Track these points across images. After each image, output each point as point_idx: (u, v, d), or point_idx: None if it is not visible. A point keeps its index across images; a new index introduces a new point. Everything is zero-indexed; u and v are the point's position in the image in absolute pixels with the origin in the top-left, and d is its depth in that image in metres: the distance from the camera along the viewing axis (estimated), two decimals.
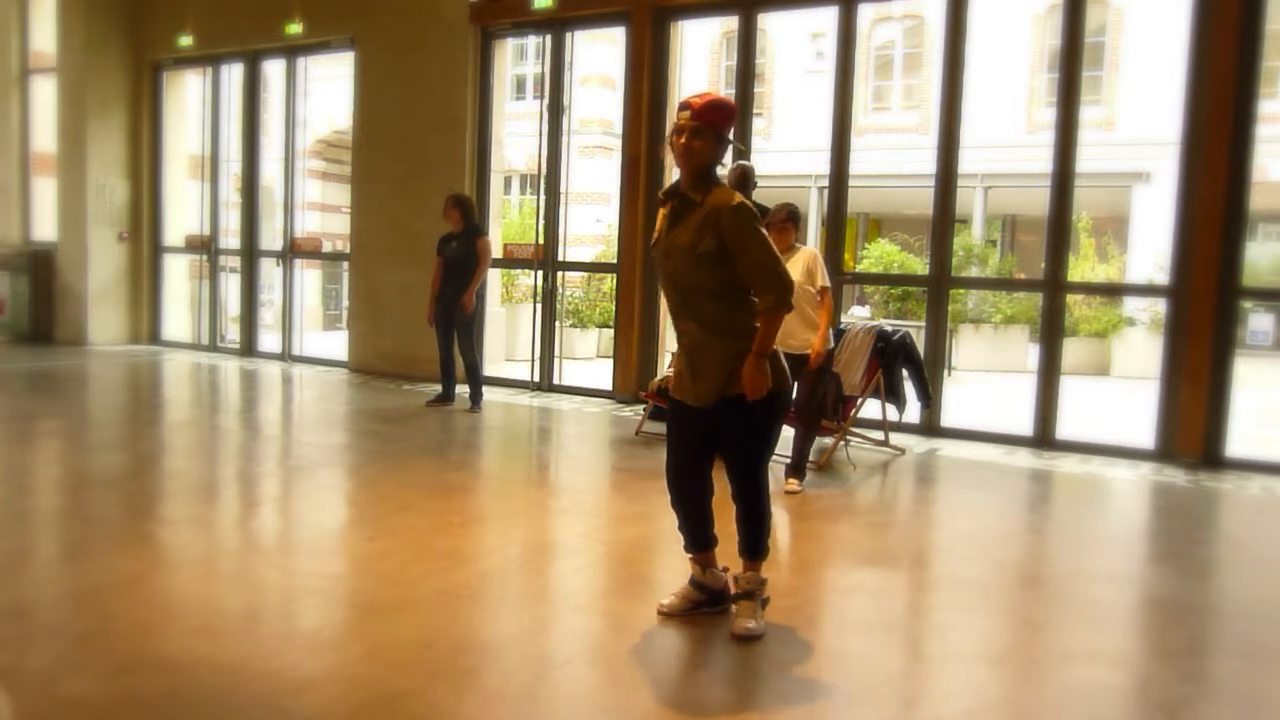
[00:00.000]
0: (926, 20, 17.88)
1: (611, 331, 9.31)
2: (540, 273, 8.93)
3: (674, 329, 3.30)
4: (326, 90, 13.73)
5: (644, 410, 7.17)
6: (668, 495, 3.34)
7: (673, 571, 3.45)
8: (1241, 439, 6.70)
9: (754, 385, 3.05)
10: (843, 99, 7.48)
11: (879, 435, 6.60)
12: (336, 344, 10.98)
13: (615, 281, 8.88)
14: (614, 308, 8.91)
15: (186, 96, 11.59)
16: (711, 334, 3.12)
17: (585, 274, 13.73)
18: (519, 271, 11.22)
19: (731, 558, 3.32)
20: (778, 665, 2.99)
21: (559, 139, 8.87)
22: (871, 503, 5.46)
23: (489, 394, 8.10)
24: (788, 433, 5.68)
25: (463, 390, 7.82)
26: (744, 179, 6.18)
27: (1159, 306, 11.30)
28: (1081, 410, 8.52)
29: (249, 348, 10.91)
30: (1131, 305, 14.20)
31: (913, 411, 6.94)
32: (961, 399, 9.08)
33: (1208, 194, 6.33)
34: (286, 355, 10.55)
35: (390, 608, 3.34)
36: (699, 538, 3.32)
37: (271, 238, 11.57)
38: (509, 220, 13.96)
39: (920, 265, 14.14)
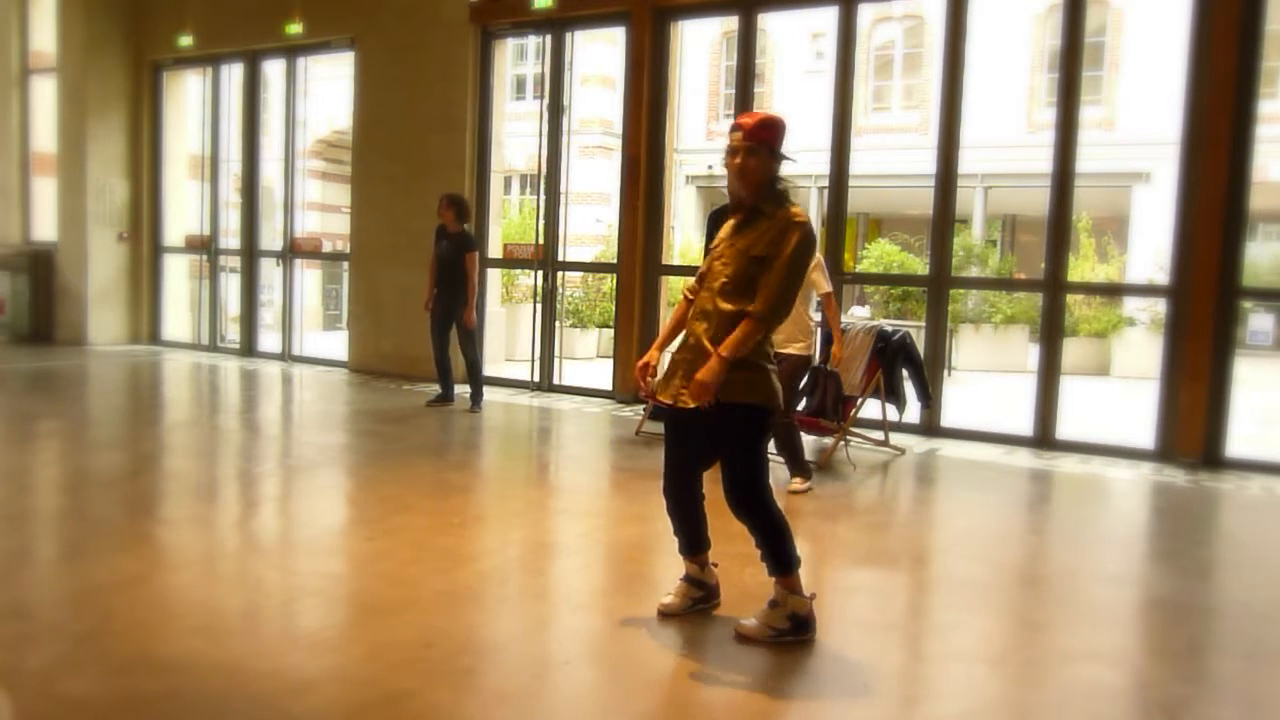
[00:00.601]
0: (926, 20, 17.89)
1: (611, 331, 9.32)
2: (540, 273, 8.93)
3: (685, 332, 3.24)
4: (326, 90, 13.73)
5: (644, 410, 7.17)
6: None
7: (672, 571, 3.45)
8: (1241, 439, 6.70)
9: (701, 386, 3.00)
10: (843, 99, 7.48)
11: (879, 435, 6.60)
12: (336, 344, 10.98)
13: (615, 281, 8.88)
14: (614, 308, 8.91)
15: (186, 96, 11.59)
16: (719, 337, 3.09)
17: (585, 274, 13.73)
18: (519, 271, 11.22)
19: (730, 557, 3.31)
20: (778, 665, 2.99)
21: (559, 139, 8.87)
22: (871, 503, 5.46)
23: (489, 394, 8.10)
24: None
25: (463, 390, 7.82)
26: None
27: (1159, 306, 11.31)
28: (1081, 410, 8.53)
29: (249, 348, 10.91)
30: (1131, 305, 14.20)
31: (913, 411, 6.94)
32: (961, 399, 9.09)
33: (1208, 194, 6.33)
34: (286, 355, 10.55)
35: (390, 608, 3.34)
36: (693, 541, 3.33)
37: (271, 238, 11.57)
38: (509, 220, 13.95)
39: (920, 265, 14.14)
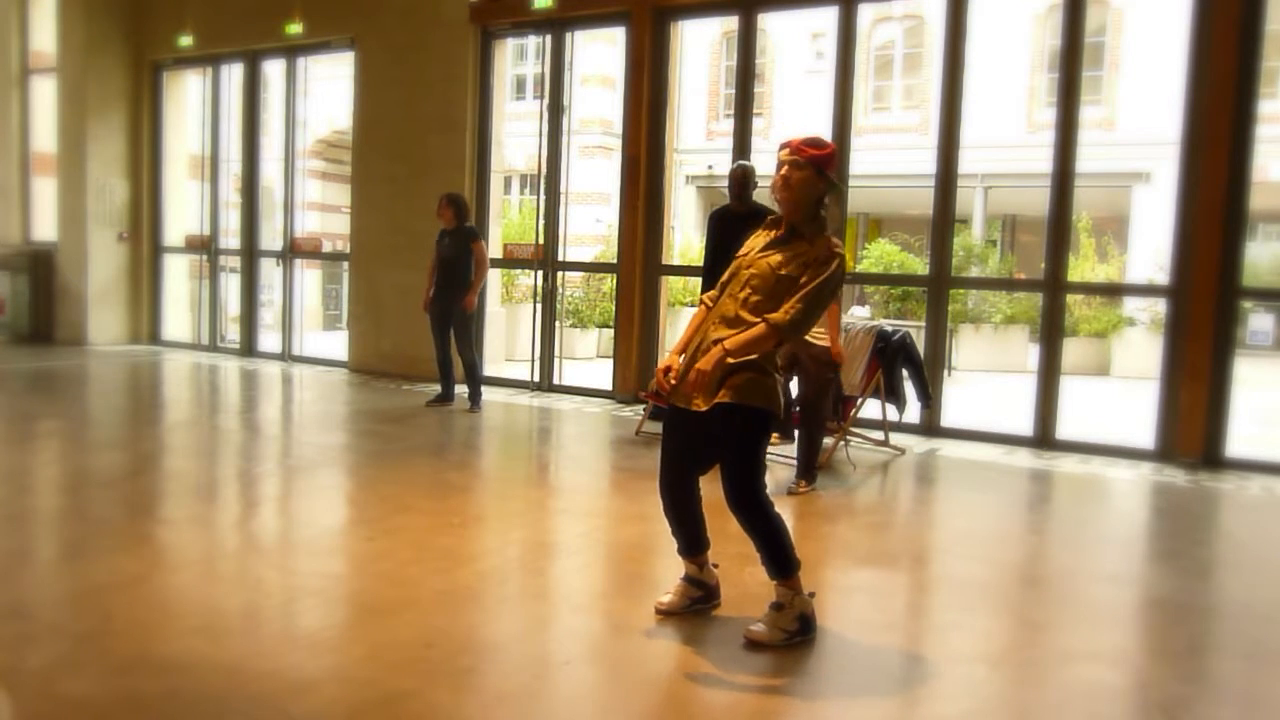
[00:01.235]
0: (926, 20, 17.89)
1: (611, 331, 9.31)
2: (540, 273, 8.93)
3: (702, 338, 3.20)
4: (326, 90, 13.72)
5: (644, 410, 7.17)
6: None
7: (672, 571, 3.45)
8: (1241, 439, 6.70)
9: (699, 376, 3.01)
10: (843, 99, 7.48)
11: (879, 435, 6.60)
12: (336, 344, 10.98)
13: (615, 281, 8.88)
14: (614, 308, 8.91)
15: (186, 96, 11.58)
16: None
17: (585, 274, 13.73)
18: (519, 271, 11.21)
19: (730, 557, 3.31)
20: (778, 665, 2.99)
21: (559, 139, 8.87)
22: (871, 503, 5.46)
23: (489, 394, 8.10)
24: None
25: (463, 390, 7.82)
26: (745, 179, 6.18)
27: (1159, 306, 11.31)
28: (1081, 410, 8.53)
29: (249, 348, 10.91)
30: (1131, 305, 14.20)
31: (913, 411, 6.94)
32: (961, 399, 9.09)
33: (1208, 194, 6.33)
34: (286, 355, 10.55)
35: (390, 608, 3.34)
36: (691, 542, 3.32)
37: (271, 238, 11.57)
38: (509, 220, 13.95)
39: (920, 265, 14.14)
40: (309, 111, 11.04)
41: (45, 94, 11.57)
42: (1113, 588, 3.95)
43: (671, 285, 8.80)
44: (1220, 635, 3.52)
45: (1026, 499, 5.77)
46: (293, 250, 10.62)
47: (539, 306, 8.95)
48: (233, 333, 11.42)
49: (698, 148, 19.69)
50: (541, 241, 8.93)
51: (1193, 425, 6.39)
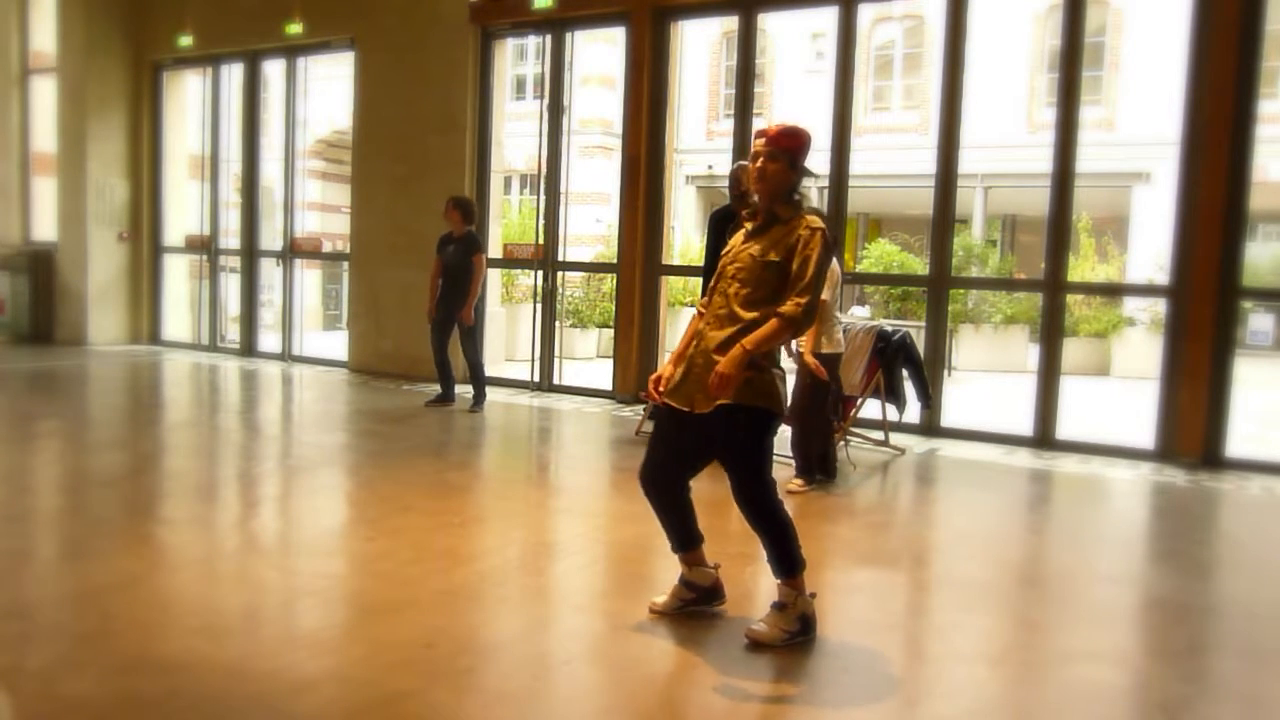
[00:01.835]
0: (926, 20, 17.88)
1: (611, 331, 9.32)
2: (540, 273, 8.93)
3: (697, 338, 3.20)
4: (326, 90, 13.72)
5: (643, 410, 7.17)
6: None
7: (671, 571, 3.45)
8: (1241, 439, 6.70)
9: (721, 379, 2.98)
10: (843, 99, 7.48)
11: (879, 435, 6.60)
12: (336, 344, 10.97)
13: (615, 281, 8.88)
14: (614, 308, 8.91)
15: (186, 96, 11.59)
16: (732, 342, 3.06)
17: (585, 274, 13.73)
18: (519, 271, 11.21)
19: (731, 557, 3.31)
20: (778, 665, 2.99)
21: (559, 139, 8.87)
22: (871, 503, 5.46)
23: (489, 394, 8.09)
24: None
25: (464, 390, 7.82)
26: (744, 178, 6.18)
27: (1159, 306, 11.30)
28: (1081, 410, 8.53)
29: (249, 348, 10.91)
30: (1131, 305, 14.20)
31: (913, 411, 6.94)
32: (961, 399, 9.08)
33: (1208, 194, 6.33)
34: (286, 355, 10.55)
35: (390, 608, 3.34)
36: (681, 537, 3.31)
37: (271, 238, 11.57)
38: (509, 220, 13.95)
39: (920, 265, 14.13)
40: (309, 111, 11.04)
41: (45, 94, 11.57)
42: (1113, 588, 3.95)
43: (671, 285, 8.80)
44: (1220, 635, 3.52)
45: (1026, 499, 5.77)
46: (293, 250, 10.62)
47: (539, 306, 8.95)
48: (233, 333, 11.42)
49: (698, 148, 19.69)
50: (541, 241, 8.93)
51: (1192, 425, 6.39)
